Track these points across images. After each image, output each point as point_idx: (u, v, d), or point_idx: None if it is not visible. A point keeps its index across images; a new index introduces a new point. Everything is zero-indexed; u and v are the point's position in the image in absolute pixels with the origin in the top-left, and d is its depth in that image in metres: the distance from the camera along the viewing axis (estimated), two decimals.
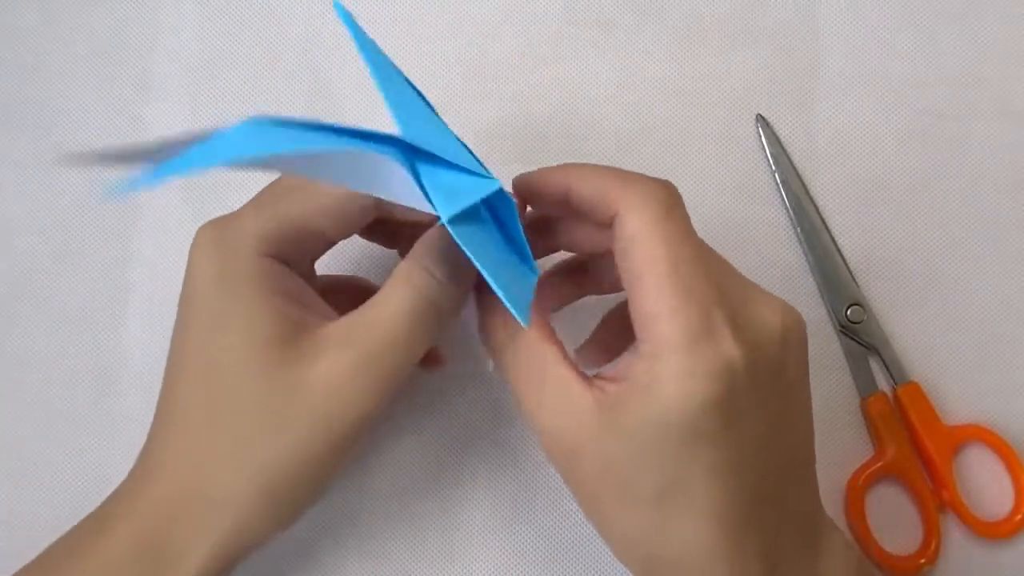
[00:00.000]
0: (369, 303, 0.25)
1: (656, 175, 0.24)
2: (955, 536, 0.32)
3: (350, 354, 0.24)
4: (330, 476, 0.25)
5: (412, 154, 0.21)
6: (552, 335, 0.25)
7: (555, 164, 0.25)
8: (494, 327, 0.25)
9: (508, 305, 0.21)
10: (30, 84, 0.35)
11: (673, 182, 0.24)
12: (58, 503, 0.32)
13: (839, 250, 0.34)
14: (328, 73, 0.35)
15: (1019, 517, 0.32)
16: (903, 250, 0.34)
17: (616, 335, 0.30)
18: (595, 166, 0.25)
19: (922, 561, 0.31)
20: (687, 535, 0.22)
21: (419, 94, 0.24)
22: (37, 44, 0.35)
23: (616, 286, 0.26)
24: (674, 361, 0.21)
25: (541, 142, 0.34)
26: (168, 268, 0.32)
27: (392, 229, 0.30)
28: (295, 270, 0.27)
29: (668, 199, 0.23)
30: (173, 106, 0.35)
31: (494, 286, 0.21)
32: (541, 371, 0.24)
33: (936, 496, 0.32)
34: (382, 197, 0.22)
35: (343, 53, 0.35)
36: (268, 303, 0.24)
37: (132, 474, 0.26)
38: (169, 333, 0.26)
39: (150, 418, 0.26)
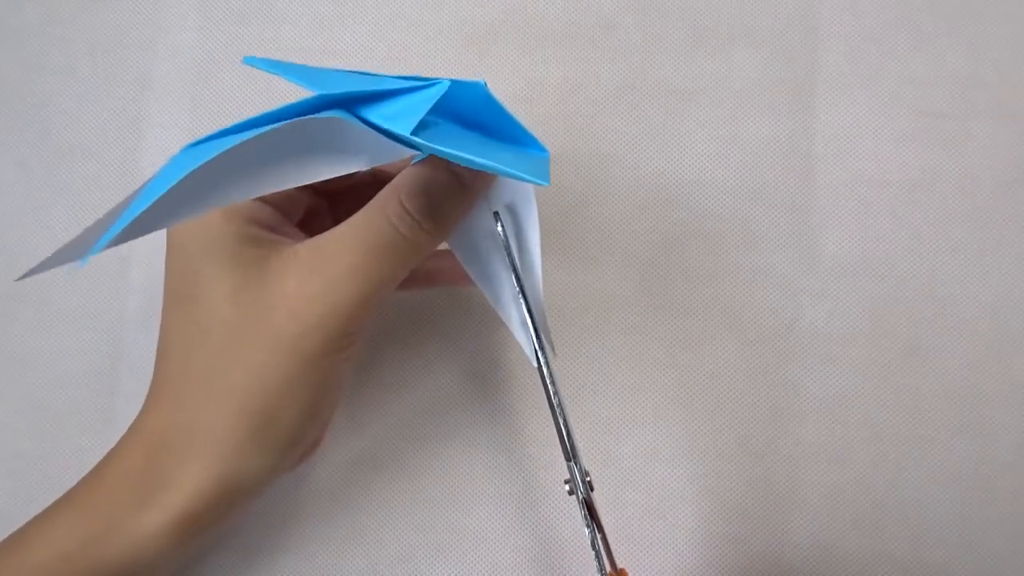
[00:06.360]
0: (341, 227, 0.24)
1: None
2: None
3: (314, 277, 0.24)
4: (311, 404, 0.25)
5: (353, 105, 0.21)
6: None
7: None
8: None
9: (525, 176, 0.21)
10: (30, 84, 0.35)
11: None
12: None
13: None
14: None
15: None
16: (903, 251, 0.34)
17: None
18: None
19: None
20: None
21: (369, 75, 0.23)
22: (37, 44, 0.35)
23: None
24: None
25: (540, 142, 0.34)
26: None
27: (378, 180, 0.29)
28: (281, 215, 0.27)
29: None
30: (173, 106, 0.35)
31: (502, 169, 0.21)
32: None
33: None
34: (345, 172, 0.21)
35: (344, 53, 0.35)
36: (231, 224, 0.24)
37: (137, 415, 0.26)
38: None
39: None
